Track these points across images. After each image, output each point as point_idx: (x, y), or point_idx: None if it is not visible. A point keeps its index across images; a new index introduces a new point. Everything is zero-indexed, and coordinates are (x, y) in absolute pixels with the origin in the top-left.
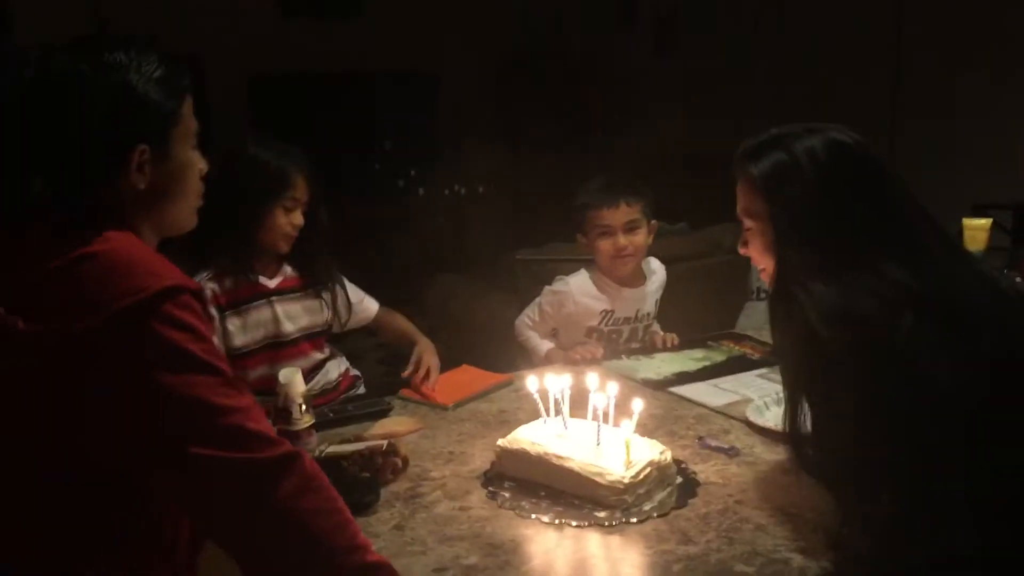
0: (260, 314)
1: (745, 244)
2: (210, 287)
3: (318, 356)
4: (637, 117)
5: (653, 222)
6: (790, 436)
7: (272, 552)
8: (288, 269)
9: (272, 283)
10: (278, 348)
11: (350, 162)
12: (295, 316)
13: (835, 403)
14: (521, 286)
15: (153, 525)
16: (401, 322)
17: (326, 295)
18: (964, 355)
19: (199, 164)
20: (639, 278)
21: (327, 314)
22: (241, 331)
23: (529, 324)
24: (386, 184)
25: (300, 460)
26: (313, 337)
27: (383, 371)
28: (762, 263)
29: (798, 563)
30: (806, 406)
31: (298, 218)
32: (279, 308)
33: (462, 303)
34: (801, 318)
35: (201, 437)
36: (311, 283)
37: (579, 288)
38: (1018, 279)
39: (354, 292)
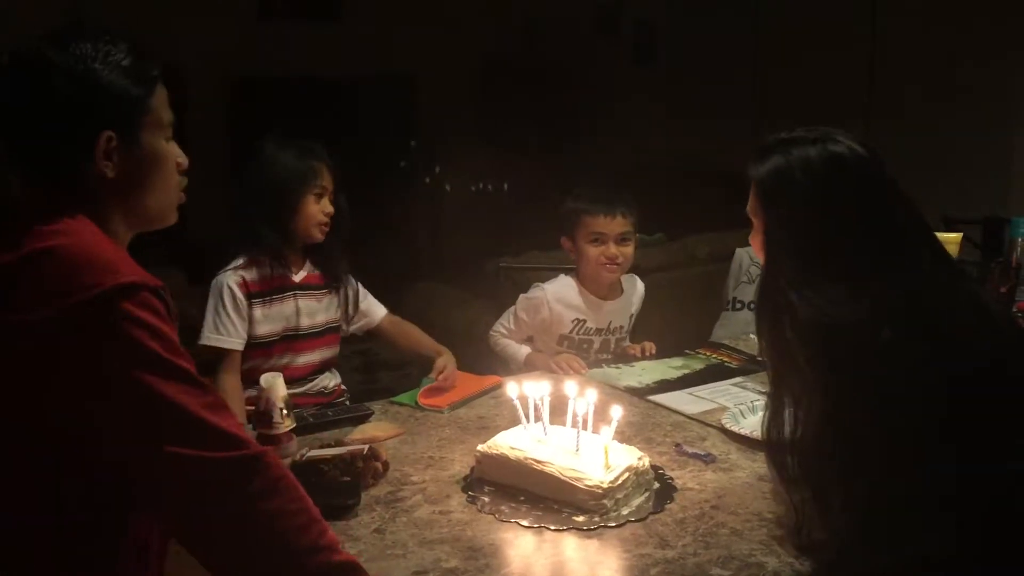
0: (284, 307)
1: (754, 237)
2: (241, 275)
3: (330, 353)
4: (617, 125)
5: (637, 236)
6: (766, 439)
7: (235, 553)
8: (309, 265)
9: (297, 278)
10: (294, 340)
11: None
12: (313, 312)
13: (805, 410)
14: (503, 293)
15: (123, 527)
16: (415, 330)
17: (341, 292)
18: (938, 371)
19: (176, 157)
20: (617, 291)
21: (339, 312)
22: (264, 320)
23: (504, 333)
24: (364, 189)
25: (265, 460)
26: (327, 333)
27: (359, 379)
28: (762, 258)
29: (773, 566)
30: (787, 411)
31: (328, 206)
32: (301, 303)
33: (442, 310)
34: (779, 325)
35: (163, 434)
36: (330, 281)
37: (555, 295)
38: None
39: (361, 292)
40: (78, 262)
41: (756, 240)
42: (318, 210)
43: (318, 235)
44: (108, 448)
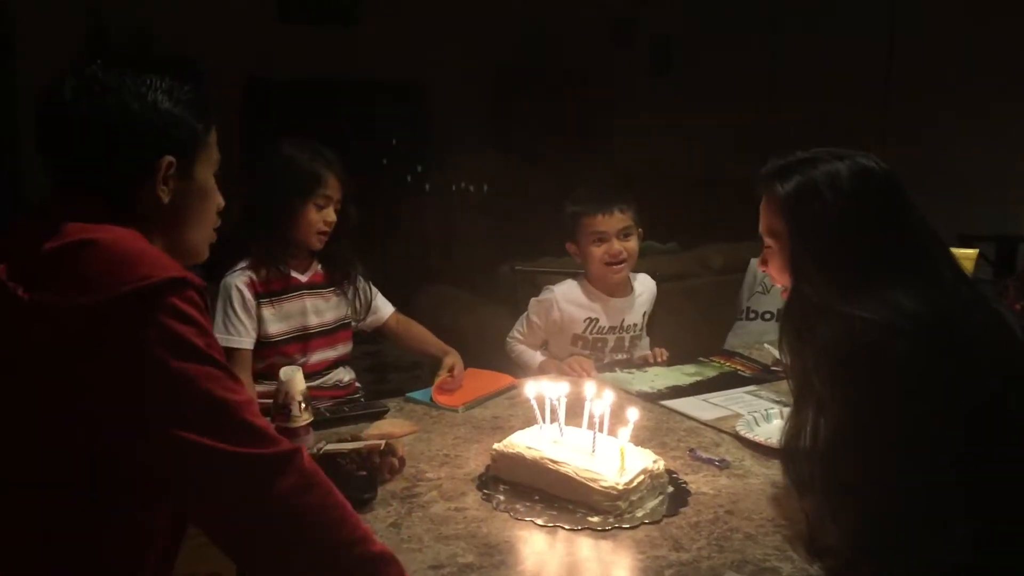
0: (292, 306)
1: (765, 263)
2: (249, 275)
3: (344, 349)
4: (631, 134)
5: (640, 230)
6: (784, 448)
7: (272, 550)
8: (318, 265)
9: (304, 278)
10: (307, 339)
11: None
12: (321, 310)
13: (824, 421)
14: (518, 297)
15: (136, 515)
16: (422, 330)
17: (348, 290)
18: (957, 385)
19: (218, 198)
20: (626, 288)
21: (349, 309)
22: (275, 320)
23: (519, 339)
24: (376, 193)
25: (299, 457)
26: (339, 330)
27: (369, 379)
28: (782, 281)
29: (787, 572)
30: (809, 423)
31: (330, 215)
32: (308, 302)
33: (453, 313)
34: (804, 342)
35: (203, 428)
36: (335, 279)
37: (564, 296)
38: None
39: (372, 289)
40: (125, 255)
41: (774, 263)
42: (319, 219)
43: (316, 243)
44: (148, 437)
